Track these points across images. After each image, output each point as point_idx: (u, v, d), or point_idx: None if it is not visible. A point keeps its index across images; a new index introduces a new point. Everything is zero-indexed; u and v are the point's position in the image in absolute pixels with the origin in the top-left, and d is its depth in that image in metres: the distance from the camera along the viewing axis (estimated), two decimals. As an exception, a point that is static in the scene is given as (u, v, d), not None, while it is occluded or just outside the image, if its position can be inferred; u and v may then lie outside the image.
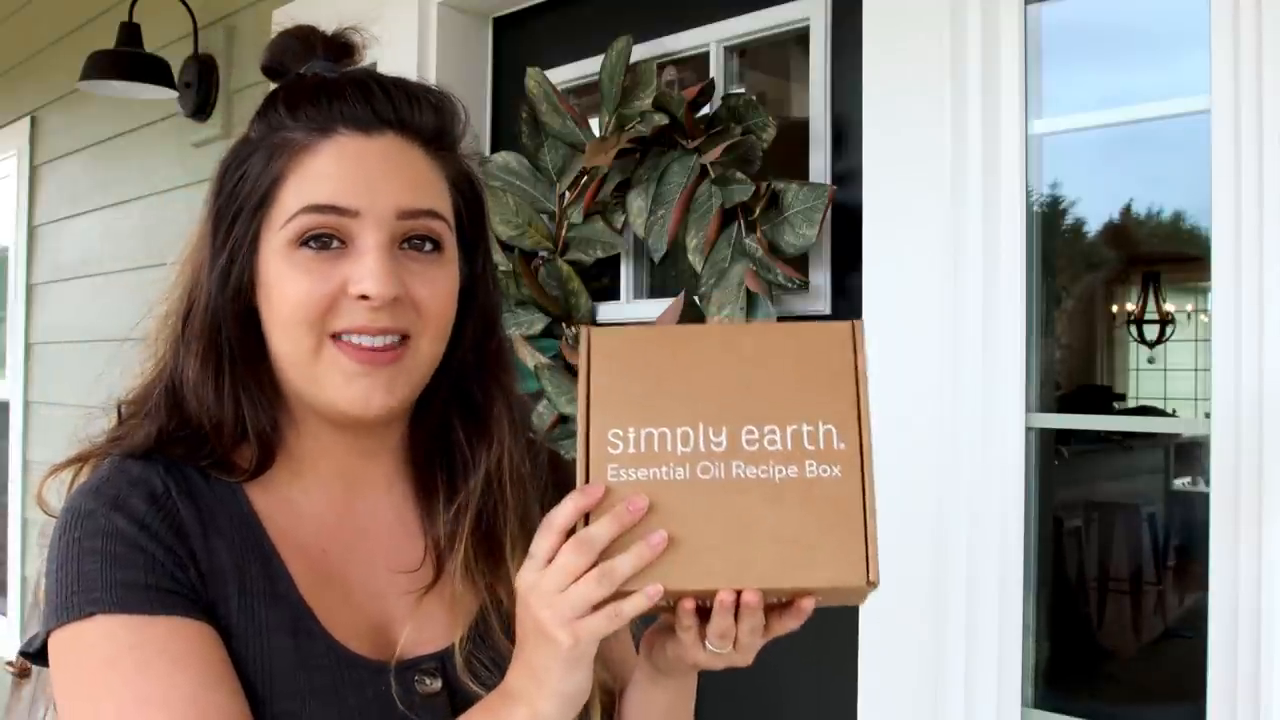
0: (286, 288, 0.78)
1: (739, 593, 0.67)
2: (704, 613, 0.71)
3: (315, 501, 0.84)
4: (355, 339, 0.78)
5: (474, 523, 0.85)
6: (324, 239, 0.78)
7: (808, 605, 0.70)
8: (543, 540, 0.70)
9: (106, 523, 0.74)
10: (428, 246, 0.81)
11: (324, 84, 0.81)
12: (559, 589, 0.68)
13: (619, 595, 0.67)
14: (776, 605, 0.70)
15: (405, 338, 0.80)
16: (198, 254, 0.84)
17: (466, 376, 0.87)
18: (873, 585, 0.66)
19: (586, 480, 0.69)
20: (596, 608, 0.68)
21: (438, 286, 0.81)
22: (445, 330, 0.83)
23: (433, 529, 0.86)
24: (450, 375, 0.86)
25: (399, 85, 0.83)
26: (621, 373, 0.72)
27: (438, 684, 0.80)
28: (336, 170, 0.78)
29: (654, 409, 0.70)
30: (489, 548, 0.85)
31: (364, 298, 0.77)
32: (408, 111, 0.81)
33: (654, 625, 0.80)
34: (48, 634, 0.75)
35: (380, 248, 0.78)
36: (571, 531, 0.69)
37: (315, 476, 0.85)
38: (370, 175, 0.79)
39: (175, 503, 0.77)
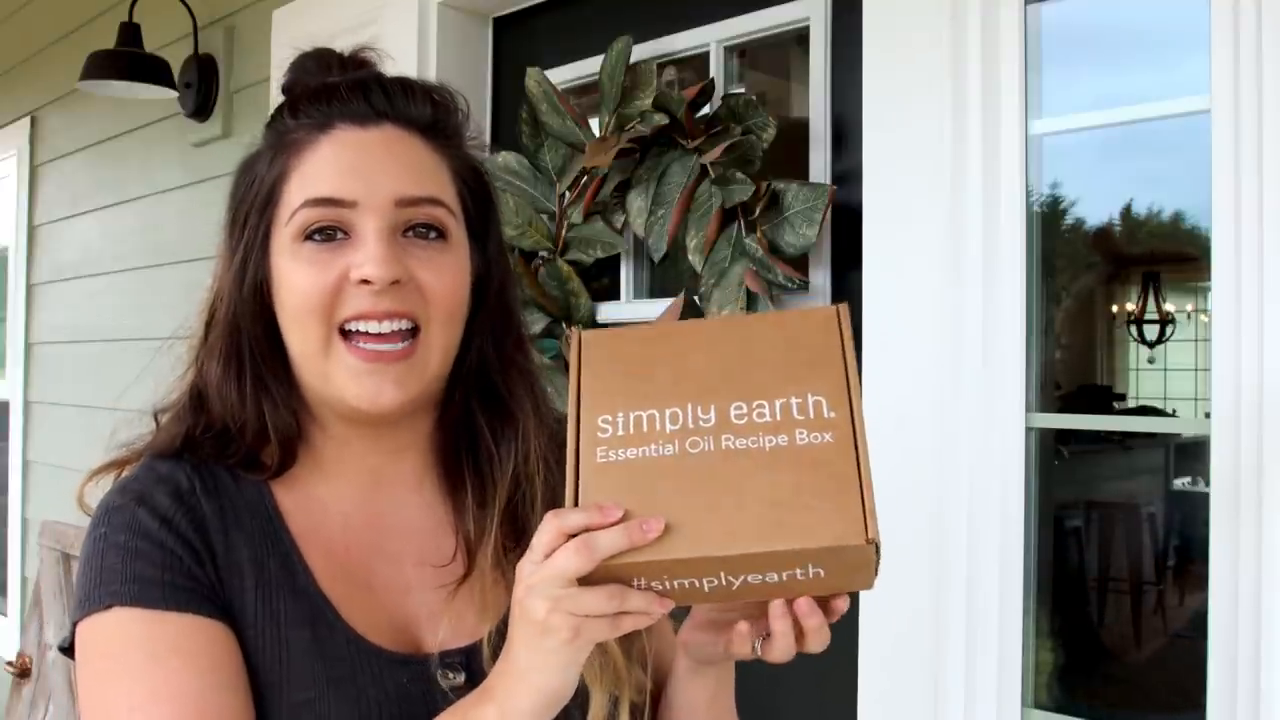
0: (294, 281, 0.80)
1: (790, 604, 0.68)
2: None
3: (341, 499, 0.86)
4: (362, 327, 0.79)
5: (502, 515, 0.85)
6: (327, 231, 0.79)
7: (840, 606, 0.70)
8: (544, 536, 0.68)
9: (131, 518, 0.77)
10: (432, 234, 0.82)
11: (325, 86, 0.84)
12: (557, 586, 0.66)
13: (624, 613, 0.66)
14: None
15: (415, 330, 0.80)
16: (220, 260, 0.86)
17: (487, 366, 0.88)
18: (872, 543, 0.64)
19: (576, 463, 0.69)
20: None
21: (443, 272, 0.81)
22: (455, 316, 0.83)
23: (462, 524, 0.87)
24: (470, 366, 0.87)
25: (395, 80, 0.85)
26: (610, 367, 0.72)
27: (461, 678, 0.81)
28: (334, 163, 0.80)
29: (641, 394, 0.71)
30: (517, 539, 0.85)
31: (365, 282, 0.78)
32: (403, 103, 0.83)
33: (689, 623, 0.80)
34: (74, 626, 0.77)
35: (380, 233, 0.79)
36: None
37: (341, 475, 0.86)
38: (368, 165, 0.80)
39: (199, 499, 0.79)
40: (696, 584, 0.67)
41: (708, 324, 0.79)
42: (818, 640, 0.69)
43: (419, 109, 0.84)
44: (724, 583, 0.67)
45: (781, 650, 0.70)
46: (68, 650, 0.80)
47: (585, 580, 0.66)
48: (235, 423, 0.83)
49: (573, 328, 0.76)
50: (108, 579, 0.75)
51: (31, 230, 3.46)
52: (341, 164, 0.80)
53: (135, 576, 0.74)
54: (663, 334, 0.75)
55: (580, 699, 0.77)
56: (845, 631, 1.48)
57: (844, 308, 0.73)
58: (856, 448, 0.67)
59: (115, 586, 0.74)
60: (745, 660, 0.76)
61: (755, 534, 0.65)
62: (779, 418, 0.68)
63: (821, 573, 0.66)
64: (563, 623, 0.65)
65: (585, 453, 0.69)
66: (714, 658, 0.79)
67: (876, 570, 0.66)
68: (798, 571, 0.66)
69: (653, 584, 0.67)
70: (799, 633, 0.69)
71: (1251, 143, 1.21)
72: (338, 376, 0.80)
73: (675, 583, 0.67)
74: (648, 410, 0.70)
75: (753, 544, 0.65)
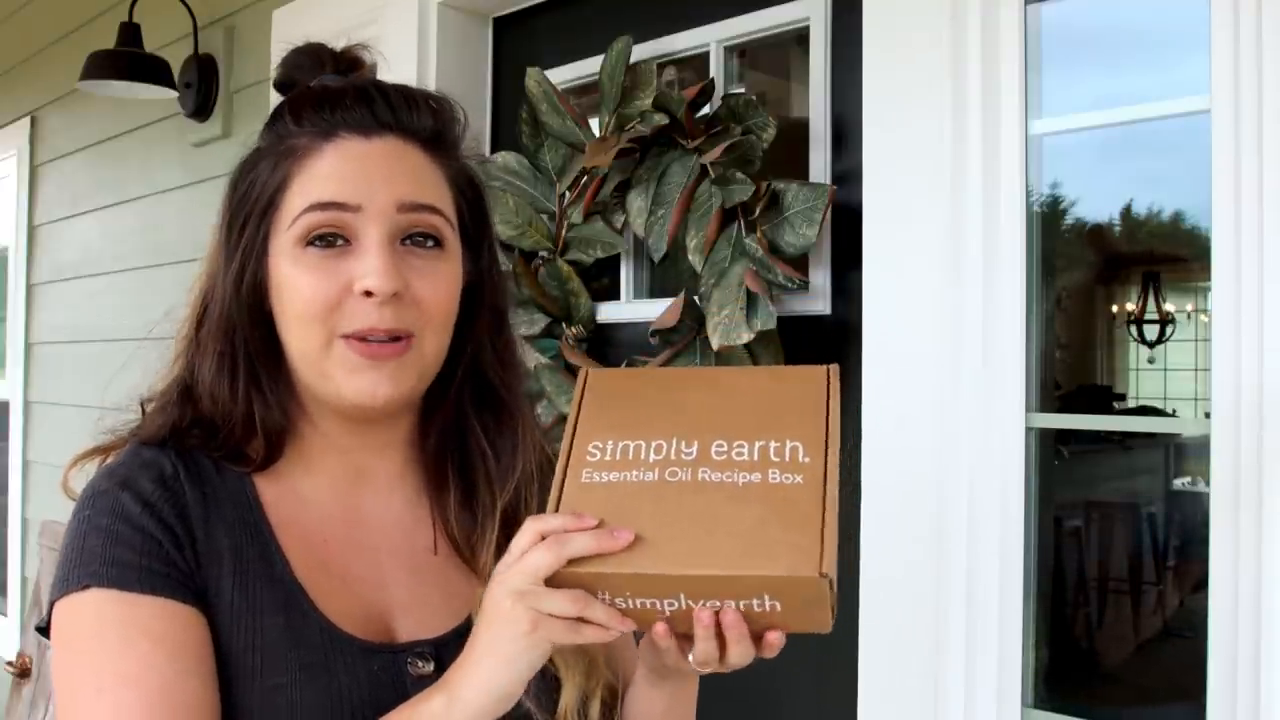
0: (296, 286, 0.81)
1: (717, 614, 0.69)
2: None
3: (323, 494, 0.87)
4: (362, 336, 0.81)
5: (502, 515, 0.88)
6: (329, 238, 0.81)
7: (775, 640, 0.71)
8: (523, 537, 0.72)
9: (115, 501, 0.78)
10: (429, 243, 0.83)
11: (326, 92, 0.85)
12: (526, 581, 0.69)
13: (585, 620, 0.70)
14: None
15: (410, 335, 0.82)
16: (212, 261, 0.87)
17: (484, 369, 0.91)
18: (825, 577, 0.67)
19: (563, 482, 0.74)
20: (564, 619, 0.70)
21: (439, 283, 0.83)
22: (447, 325, 0.85)
23: (444, 520, 0.90)
24: (464, 368, 0.89)
25: (398, 90, 0.86)
26: (609, 402, 0.79)
27: (430, 667, 0.82)
28: (338, 170, 0.82)
29: (632, 426, 0.76)
30: (509, 537, 0.87)
31: (368, 294, 0.80)
32: (406, 115, 0.85)
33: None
34: (51, 605, 0.78)
35: (382, 243, 0.80)
36: None
37: (325, 471, 0.88)
38: (371, 173, 0.82)
39: (182, 485, 0.81)
40: (657, 605, 0.70)
41: (706, 371, 0.86)
42: (738, 652, 0.71)
43: (421, 120, 0.85)
44: (683, 606, 0.70)
45: (702, 653, 0.71)
46: (43, 630, 0.81)
47: (554, 585, 0.70)
48: (225, 419, 0.84)
49: (584, 368, 0.82)
50: (87, 560, 0.76)
51: (31, 230, 3.46)
52: (346, 170, 0.81)
53: (114, 560, 0.76)
54: (663, 376, 0.82)
55: (550, 690, 0.81)
56: (845, 631, 1.48)
57: (834, 368, 0.78)
58: (825, 492, 0.71)
59: (94, 568, 0.76)
60: (681, 668, 0.77)
61: (716, 558, 0.69)
62: (755, 458, 0.73)
63: (778, 605, 0.69)
64: (524, 615, 0.69)
65: (571, 473, 0.75)
66: (658, 666, 0.81)
67: (833, 611, 0.69)
68: (754, 602, 0.69)
69: (615, 600, 0.71)
70: (722, 645, 0.71)
71: (1251, 143, 1.21)
72: (335, 373, 0.82)
73: (636, 601, 0.71)
74: (635, 441, 0.75)
75: (712, 567, 0.69)
